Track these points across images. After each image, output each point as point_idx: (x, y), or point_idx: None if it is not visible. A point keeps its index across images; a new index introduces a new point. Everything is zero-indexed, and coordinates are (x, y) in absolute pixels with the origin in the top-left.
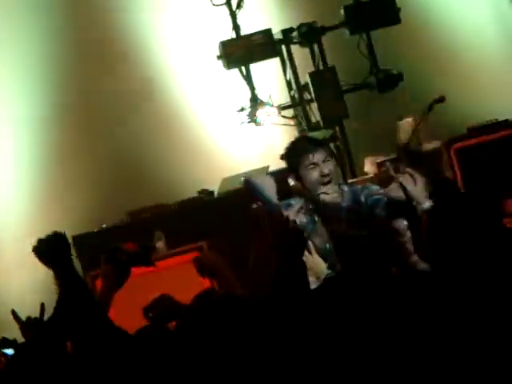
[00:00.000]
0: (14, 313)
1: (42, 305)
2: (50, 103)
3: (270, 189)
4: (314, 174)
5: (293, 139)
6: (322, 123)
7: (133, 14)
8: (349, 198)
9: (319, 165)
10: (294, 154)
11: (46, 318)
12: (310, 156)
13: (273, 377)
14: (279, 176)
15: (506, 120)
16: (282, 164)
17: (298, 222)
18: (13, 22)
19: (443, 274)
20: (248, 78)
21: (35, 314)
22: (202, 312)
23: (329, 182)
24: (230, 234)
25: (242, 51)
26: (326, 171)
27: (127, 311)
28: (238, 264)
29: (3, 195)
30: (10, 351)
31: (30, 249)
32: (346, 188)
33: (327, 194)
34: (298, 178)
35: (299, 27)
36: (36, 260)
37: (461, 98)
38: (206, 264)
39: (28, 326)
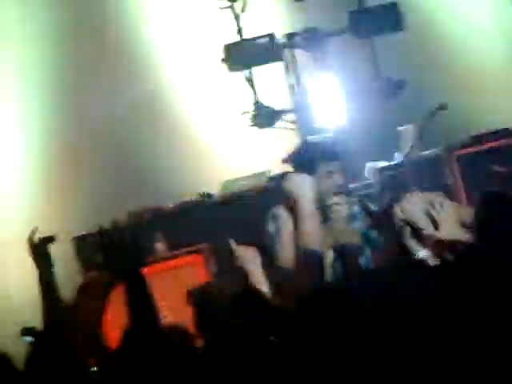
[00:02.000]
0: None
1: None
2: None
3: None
4: (329, 182)
5: (306, 143)
6: (323, 128)
7: (136, 18)
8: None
9: (335, 174)
10: (311, 158)
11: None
12: (329, 164)
13: None
14: (280, 180)
15: (507, 128)
16: (284, 168)
17: None
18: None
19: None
20: (251, 81)
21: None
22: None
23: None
24: (230, 237)
25: (245, 54)
26: (340, 182)
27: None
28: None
29: (6, 194)
30: (29, 339)
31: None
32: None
33: (339, 204)
34: None
35: (303, 32)
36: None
37: (464, 105)
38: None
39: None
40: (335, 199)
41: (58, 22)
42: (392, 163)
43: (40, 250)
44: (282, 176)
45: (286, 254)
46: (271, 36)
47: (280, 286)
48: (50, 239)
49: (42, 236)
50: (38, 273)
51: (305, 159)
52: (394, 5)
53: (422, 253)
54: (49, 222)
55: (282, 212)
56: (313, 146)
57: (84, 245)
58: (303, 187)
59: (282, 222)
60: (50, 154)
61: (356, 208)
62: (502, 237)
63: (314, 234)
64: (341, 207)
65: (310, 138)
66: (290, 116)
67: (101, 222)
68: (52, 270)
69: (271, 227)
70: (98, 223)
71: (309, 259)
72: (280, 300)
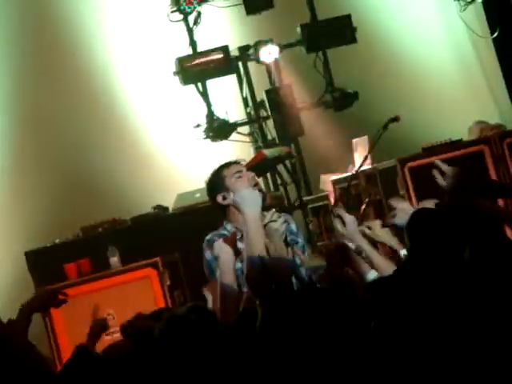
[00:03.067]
0: None
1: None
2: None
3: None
4: (243, 181)
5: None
6: (277, 140)
7: (89, 27)
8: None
9: (243, 172)
10: (217, 172)
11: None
12: (233, 166)
13: None
14: None
15: (460, 139)
16: None
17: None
18: None
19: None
20: (204, 94)
21: None
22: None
23: (260, 191)
24: (184, 249)
25: (198, 67)
26: (251, 176)
27: (83, 326)
28: (191, 280)
29: None
30: None
31: None
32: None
33: (275, 221)
34: (226, 197)
35: (256, 44)
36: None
37: (415, 118)
38: None
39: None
40: (269, 216)
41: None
42: (346, 175)
43: None
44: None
45: (229, 279)
46: (225, 49)
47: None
48: None
49: None
50: None
51: (214, 177)
52: (347, 17)
53: (373, 274)
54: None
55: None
56: (267, 158)
57: (38, 258)
58: (248, 201)
59: (221, 250)
60: (7, 174)
61: (281, 221)
62: (434, 254)
63: (259, 245)
64: (275, 224)
65: (264, 150)
66: (244, 129)
67: (54, 238)
68: None
69: (209, 255)
70: (52, 238)
71: (254, 269)
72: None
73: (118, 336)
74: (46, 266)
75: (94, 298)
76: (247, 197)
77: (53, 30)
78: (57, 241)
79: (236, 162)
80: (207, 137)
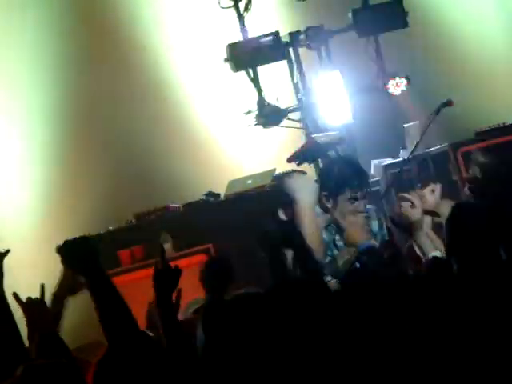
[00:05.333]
0: (15, 295)
1: (42, 286)
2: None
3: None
4: (351, 208)
5: (312, 141)
6: (328, 126)
7: (140, 17)
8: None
9: (358, 200)
10: (342, 180)
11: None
12: (356, 191)
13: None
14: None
15: None
16: (288, 167)
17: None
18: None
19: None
20: (255, 80)
21: None
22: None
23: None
24: (236, 236)
25: (249, 54)
26: (361, 208)
27: (136, 312)
28: (243, 266)
29: (13, 197)
30: None
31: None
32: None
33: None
34: (330, 200)
35: (307, 30)
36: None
37: (468, 102)
38: None
39: (29, 306)
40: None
41: (72, 32)
42: (398, 160)
43: None
44: (285, 174)
45: None
46: (275, 35)
47: None
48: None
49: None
50: None
51: (309, 156)
52: (398, 2)
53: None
54: (60, 223)
55: None
56: (318, 144)
57: None
58: (304, 190)
59: None
60: (61, 160)
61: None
62: (473, 247)
63: (312, 236)
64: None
65: (315, 136)
66: (295, 115)
67: (108, 224)
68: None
69: None
70: (106, 225)
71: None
72: None
73: None
74: (100, 252)
75: (147, 284)
76: (299, 183)
77: (107, 17)
78: (110, 227)
79: (363, 183)
80: (258, 123)
